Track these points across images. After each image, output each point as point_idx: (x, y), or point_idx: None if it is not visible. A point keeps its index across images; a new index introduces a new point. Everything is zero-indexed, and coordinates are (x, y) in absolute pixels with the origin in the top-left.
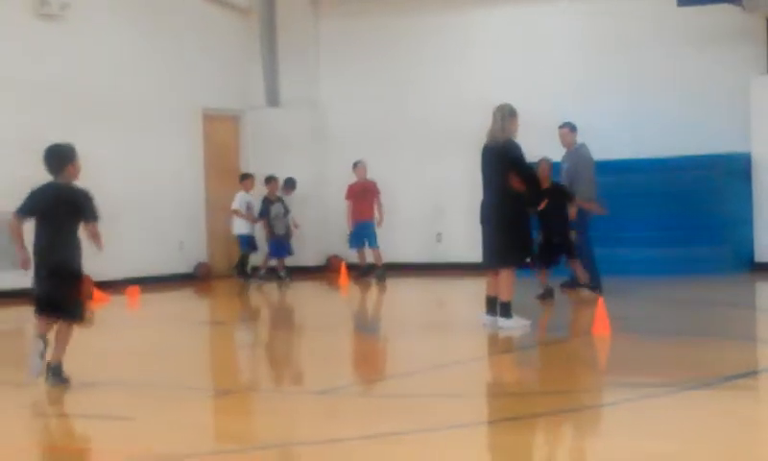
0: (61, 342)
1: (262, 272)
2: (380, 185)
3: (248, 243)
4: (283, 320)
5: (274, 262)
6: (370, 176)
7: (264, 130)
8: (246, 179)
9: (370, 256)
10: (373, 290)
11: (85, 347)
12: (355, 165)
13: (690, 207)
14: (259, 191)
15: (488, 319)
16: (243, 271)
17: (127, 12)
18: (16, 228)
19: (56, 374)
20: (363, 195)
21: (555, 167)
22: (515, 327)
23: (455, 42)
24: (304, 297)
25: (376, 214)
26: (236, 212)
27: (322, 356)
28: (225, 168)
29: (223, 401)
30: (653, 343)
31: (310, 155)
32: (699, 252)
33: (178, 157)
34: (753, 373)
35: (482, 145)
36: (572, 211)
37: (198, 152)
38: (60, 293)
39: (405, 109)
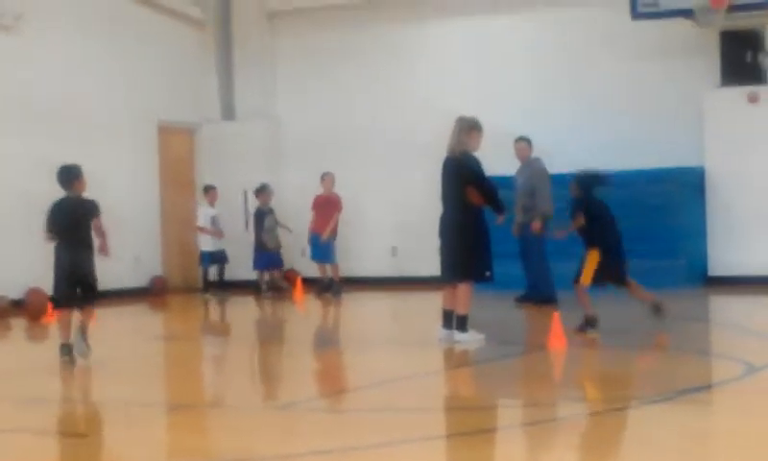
0: (87, 319)
1: (265, 287)
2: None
3: (210, 259)
4: (240, 335)
5: (256, 274)
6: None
7: (220, 143)
8: (209, 191)
9: (323, 271)
10: (330, 305)
11: (39, 362)
12: (322, 177)
13: (644, 221)
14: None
15: (444, 333)
16: (211, 284)
17: (82, 24)
18: (49, 239)
19: (81, 346)
20: (324, 208)
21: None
22: (470, 340)
23: (410, 55)
24: (260, 312)
25: (331, 227)
26: (201, 230)
27: (278, 371)
28: (180, 181)
29: (178, 417)
30: (608, 356)
31: (266, 168)
32: (653, 265)
33: (133, 169)
34: (707, 386)
35: (443, 157)
36: (536, 225)
37: (153, 165)
38: (84, 287)
39: (361, 122)
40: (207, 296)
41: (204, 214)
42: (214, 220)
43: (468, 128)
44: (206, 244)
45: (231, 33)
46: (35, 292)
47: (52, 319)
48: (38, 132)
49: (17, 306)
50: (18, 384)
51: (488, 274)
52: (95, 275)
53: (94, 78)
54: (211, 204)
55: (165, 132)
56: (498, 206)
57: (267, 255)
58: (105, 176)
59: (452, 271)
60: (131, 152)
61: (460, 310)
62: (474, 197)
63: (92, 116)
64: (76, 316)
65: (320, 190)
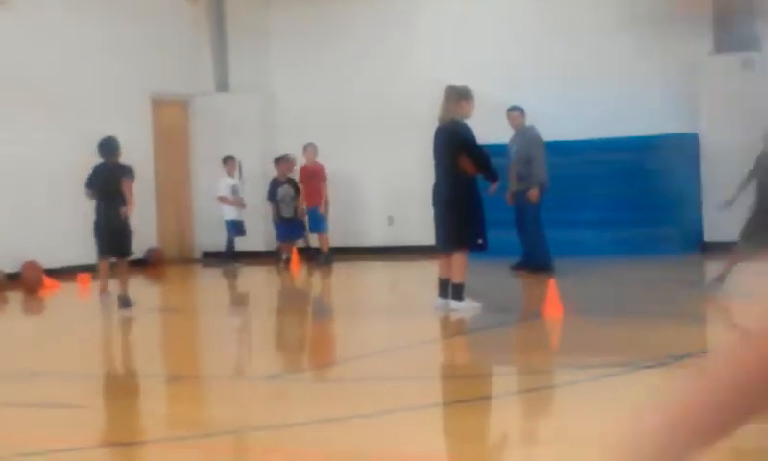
0: (123, 276)
1: (286, 255)
2: (331, 169)
3: (235, 228)
4: (235, 306)
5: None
6: (321, 160)
7: (214, 115)
8: (228, 161)
9: (320, 242)
10: (326, 274)
11: (36, 335)
12: (305, 148)
13: (638, 188)
14: (208, 174)
15: (440, 302)
16: (230, 255)
17: None
18: (89, 197)
19: (125, 303)
20: (310, 179)
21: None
22: (466, 309)
23: (403, 27)
24: (255, 282)
25: (322, 200)
26: (223, 199)
27: (274, 342)
28: (174, 154)
29: (175, 388)
30: (604, 324)
31: (260, 140)
32: (648, 232)
33: (127, 142)
34: (702, 351)
35: (434, 127)
36: (533, 193)
37: (147, 137)
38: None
39: (355, 93)
40: (237, 265)
41: (224, 184)
42: (234, 189)
43: (457, 97)
44: (229, 214)
45: (225, 4)
46: (30, 265)
47: (47, 291)
48: (31, 105)
49: (13, 280)
50: (15, 357)
51: (480, 241)
52: (126, 230)
53: (87, 51)
54: (230, 174)
55: (159, 104)
56: (491, 174)
57: (285, 226)
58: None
59: (446, 240)
60: (124, 124)
61: (455, 279)
62: (467, 165)
63: (85, 89)
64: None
65: (303, 162)
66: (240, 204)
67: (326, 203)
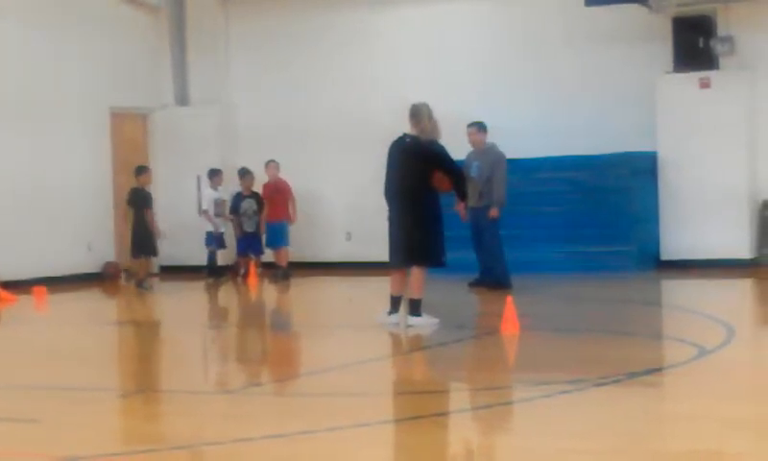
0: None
1: (243, 270)
2: (291, 184)
3: (215, 241)
4: (192, 320)
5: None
6: (282, 174)
7: (173, 128)
8: (214, 175)
9: (278, 257)
10: (285, 289)
11: None
12: (266, 164)
13: (597, 206)
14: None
15: (391, 318)
16: (212, 269)
17: (33, 7)
18: (124, 213)
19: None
20: (273, 195)
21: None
22: (424, 324)
23: (366, 40)
24: (214, 296)
25: (291, 214)
26: (206, 214)
27: (230, 356)
28: (133, 167)
29: (130, 403)
30: (561, 340)
31: (220, 153)
32: (606, 249)
33: (85, 155)
34: (658, 369)
35: (391, 141)
36: (494, 212)
37: (106, 151)
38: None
39: (315, 107)
40: (221, 279)
41: (208, 197)
42: (218, 202)
43: (430, 115)
44: (210, 226)
45: (185, 18)
46: None
47: (3, 304)
48: None
49: None
50: None
51: (444, 259)
52: (144, 237)
53: (45, 64)
54: (215, 187)
55: (118, 117)
56: (465, 193)
57: (246, 240)
58: (56, 162)
59: (407, 255)
60: (82, 138)
61: (415, 295)
62: (441, 182)
63: (43, 102)
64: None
65: (265, 179)
66: (225, 217)
67: (292, 217)
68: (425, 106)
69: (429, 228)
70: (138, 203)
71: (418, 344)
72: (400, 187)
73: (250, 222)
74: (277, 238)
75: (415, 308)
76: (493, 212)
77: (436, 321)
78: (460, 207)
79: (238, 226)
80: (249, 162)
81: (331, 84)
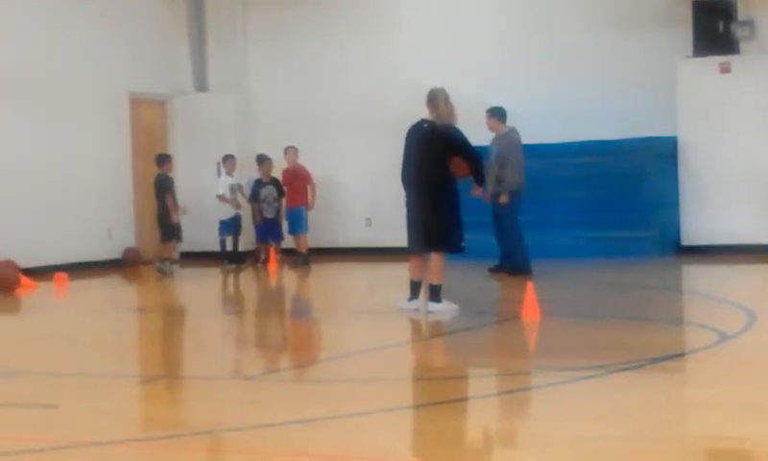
0: (161, 251)
1: (264, 256)
2: (309, 170)
3: (228, 228)
4: (212, 306)
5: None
6: (300, 160)
7: (192, 114)
8: (228, 160)
9: (298, 243)
10: (304, 275)
11: (11, 334)
12: (285, 151)
13: (618, 191)
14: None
15: (411, 304)
16: (232, 255)
17: None
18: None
19: (162, 271)
20: (292, 181)
21: None
22: (444, 310)
23: (384, 26)
24: (234, 282)
25: (309, 200)
26: (222, 198)
27: (251, 342)
28: (152, 153)
29: (150, 388)
30: (581, 326)
31: (239, 140)
32: (626, 235)
33: (104, 142)
34: (679, 355)
35: (410, 126)
36: (503, 198)
37: (125, 137)
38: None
39: (333, 94)
40: (227, 266)
41: (222, 183)
42: (233, 188)
43: (446, 100)
44: (223, 213)
45: (204, 4)
46: (7, 265)
47: (24, 290)
48: (9, 105)
49: None
50: None
51: (463, 244)
52: (167, 222)
53: (65, 51)
54: (230, 173)
55: (137, 104)
56: (483, 178)
57: (266, 227)
58: (76, 149)
59: (426, 241)
60: (102, 124)
61: (435, 280)
62: (459, 168)
63: (63, 89)
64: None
65: (284, 165)
66: (237, 203)
67: (310, 203)
68: (442, 90)
69: (447, 213)
70: (161, 189)
71: (438, 330)
72: (419, 173)
73: (269, 208)
74: (296, 224)
75: (435, 294)
76: (503, 198)
77: (456, 307)
78: (477, 191)
79: (258, 212)
80: (267, 149)
81: (349, 70)
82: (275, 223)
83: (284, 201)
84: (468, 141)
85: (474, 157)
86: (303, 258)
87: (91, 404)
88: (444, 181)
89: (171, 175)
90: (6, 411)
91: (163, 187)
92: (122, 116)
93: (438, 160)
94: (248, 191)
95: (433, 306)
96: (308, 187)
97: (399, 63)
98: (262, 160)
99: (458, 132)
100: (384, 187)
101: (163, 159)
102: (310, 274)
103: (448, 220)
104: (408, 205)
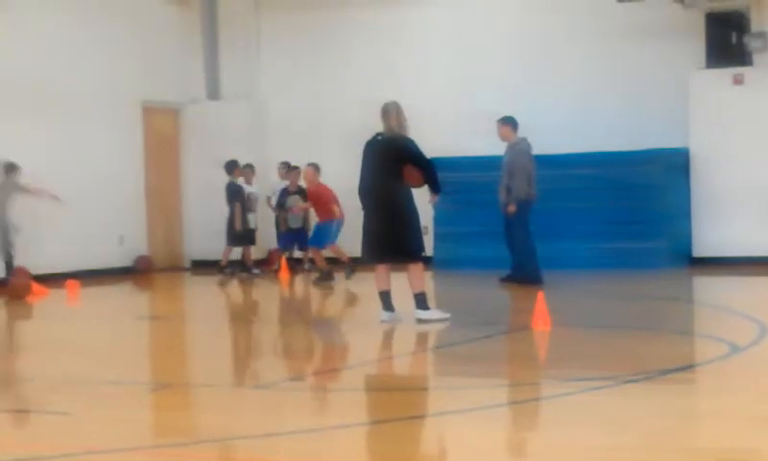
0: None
1: (307, 265)
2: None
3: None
4: (223, 314)
5: (280, 254)
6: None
7: (205, 123)
8: (246, 169)
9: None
10: (326, 286)
11: (23, 341)
12: (304, 170)
13: (630, 202)
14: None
15: (387, 315)
16: (239, 266)
17: (65, 3)
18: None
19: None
20: (317, 201)
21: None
22: (434, 317)
23: (395, 36)
24: (244, 290)
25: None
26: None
27: (261, 350)
28: (165, 161)
29: (162, 396)
30: (592, 337)
31: (251, 148)
32: (638, 246)
33: (117, 150)
34: (690, 366)
35: (369, 139)
36: (511, 207)
37: (138, 145)
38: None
39: (346, 101)
40: (242, 275)
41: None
42: (250, 198)
43: (398, 111)
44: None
45: (217, 12)
46: (19, 272)
47: (35, 297)
48: (22, 111)
49: (0, 285)
50: (1, 363)
51: (422, 253)
52: (232, 230)
53: (78, 59)
54: (248, 182)
55: (150, 112)
56: (438, 186)
57: (289, 235)
58: (89, 156)
59: (381, 251)
60: (115, 132)
61: (418, 288)
62: (411, 176)
63: (76, 97)
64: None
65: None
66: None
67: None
68: (394, 104)
69: (402, 222)
70: (229, 196)
71: (448, 340)
72: (373, 184)
73: (295, 218)
74: (326, 236)
75: (420, 302)
76: (511, 208)
77: (447, 315)
78: (433, 199)
79: (283, 221)
80: (279, 156)
81: (362, 76)
82: (301, 231)
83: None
84: (420, 151)
85: (426, 166)
86: (350, 268)
87: (102, 412)
88: (398, 192)
89: (240, 182)
90: (17, 418)
91: (231, 196)
92: (135, 124)
93: (391, 171)
94: (274, 200)
95: (422, 314)
96: (332, 205)
97: (415, 74)
98: (289, 170)
99: (410, 141)
100: None
101: (231, 167)
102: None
103: (403, 229)
104: (366, 216)
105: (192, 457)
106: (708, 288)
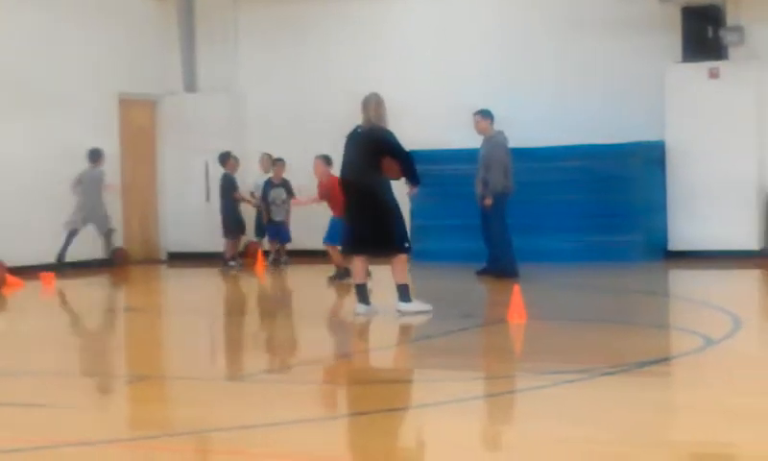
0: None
1: (271, 257)
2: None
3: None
4: (199, 306)
5: (267, 246)
6: (289, 162)
7: (182, 115)
8: (277, 162)
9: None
10: (290, 277)
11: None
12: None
13: (605, 195)
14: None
15: (363, 308)
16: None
17: None
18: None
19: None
20: (330, 195)
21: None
22: (416, 309)
23: (376, 29)
24: (220, 283)
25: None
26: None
27: (238, 343)
28: (141, 154)
29: (138, 389)
30: (568, 330)
31: (228, 140)
32: (614, 239)
33: (93, 142)
34: (665, 359)
35: (349, 131)
36: (487, 200)
37: (114, 137)
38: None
39: (324, 96)
40: (233, 265)
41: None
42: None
43: (377, 103)
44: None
45: (194, 4)
46: None
47: (10, 289)
48: None
49: None
50: None
51: (406, 245)
52: (228, 222)
53: (54, 50)
54: (232, 172)
55: (126, 104)
56: (416, 178)
57: (273, 229)
58: (64, 148)
59: (361, 243)
60: (91, 124)
61: (398, 280)
62: (390, 168)
63: (52, 89)
64: None
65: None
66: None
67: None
68: (374, 95)
69: (397, 213)
70: (224, 188)
71: (423, 332)
72: (353, 176)
73: (278, 210)
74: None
75: (403, 294)
76: (487, 201)
77: (429, 307)
78: (411, 191)
79: (266, 213)
80: (257, 149)
81: (340, 69)
82: (282, 225)
83: (290, 203)
84: (398, 142)
85: (404, 158)
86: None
87: (78, 404)
88: (377, 184)
89: (233, 173)
90: (0, 410)
91: (226, 187)
92: (111, 116)
93: (371, 163)
94: (258, 192)
95: (403, 306)
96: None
97: (395, 67)
98: (275, 162)
99: (389, 133)
100: None
101: (223, 158)
102: (286, 273)
103: (388, 221)
104: (347, 209)
105: (168, 449)
106: (684, 281)
